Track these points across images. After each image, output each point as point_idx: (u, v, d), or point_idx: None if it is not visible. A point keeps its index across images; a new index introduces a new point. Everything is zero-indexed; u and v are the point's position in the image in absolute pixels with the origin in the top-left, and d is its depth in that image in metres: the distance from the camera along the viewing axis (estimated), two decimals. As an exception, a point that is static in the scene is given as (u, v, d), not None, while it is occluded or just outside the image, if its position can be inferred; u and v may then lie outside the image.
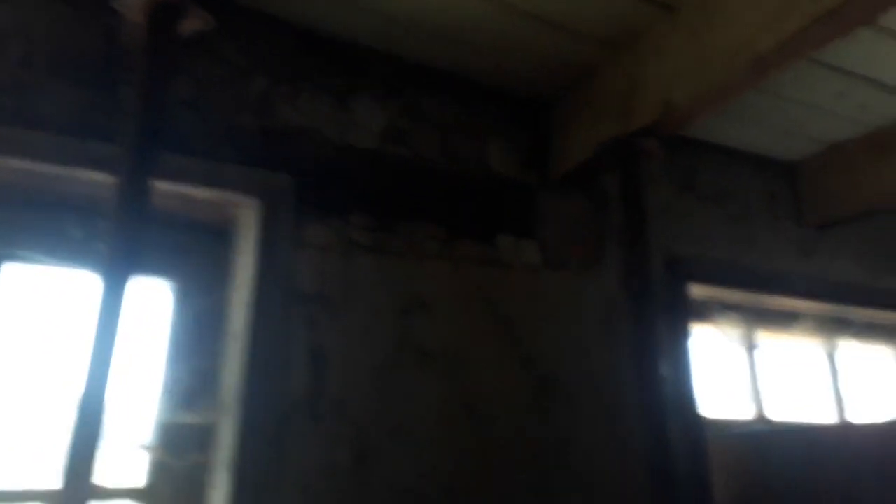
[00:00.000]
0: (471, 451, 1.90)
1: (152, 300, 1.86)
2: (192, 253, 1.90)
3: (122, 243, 1.27)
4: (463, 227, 2.10)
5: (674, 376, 2.34)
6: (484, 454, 1.91)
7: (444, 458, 1.84)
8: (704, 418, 2.43)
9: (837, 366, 3.02)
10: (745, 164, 2.77)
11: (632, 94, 1.90)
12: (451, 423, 1.89)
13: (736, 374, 2.76)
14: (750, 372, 2.78)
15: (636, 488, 2.06)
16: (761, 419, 2.71)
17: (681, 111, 1.73)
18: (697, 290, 2.56)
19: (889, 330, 3.13)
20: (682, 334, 2.42)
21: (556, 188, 2.29)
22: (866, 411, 3.02)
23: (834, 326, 2.96)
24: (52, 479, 1.61)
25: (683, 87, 1.71)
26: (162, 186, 1.60)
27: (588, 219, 2.34)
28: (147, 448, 1.72)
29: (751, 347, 2.81)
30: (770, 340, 2.86)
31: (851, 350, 3.08)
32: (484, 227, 2.14)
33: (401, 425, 1.82)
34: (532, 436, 1.99)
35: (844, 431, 2.08)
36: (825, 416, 2.93)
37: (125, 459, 1.71)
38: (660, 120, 1.79)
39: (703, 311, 2.67)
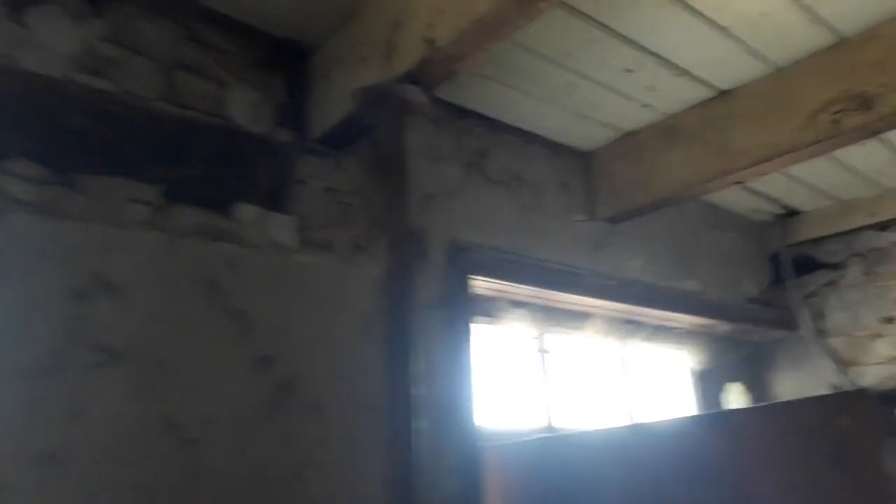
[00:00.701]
0: (172, 481, 1.43)
1: None
2: None
3: None
4: (187, 191, 1.64)
5: (448, 381, 2.03)
6: (192, 483, 1.46)
7: (123, 493, 1.36)
8: (481, 428, 2.14)
9: (629, 368, 2.90)
10: (540, 150, 2.55)
11: (394, 35, 1.56)
12: (143, 445, 1.42)
13: (524, 378, 2.52)
14: (539, 375, 2.55)
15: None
16: (550, 426, 2.48)
17: (445, 51, 1.41)
18: (482, 284, 2.28)
19: (678, 333, 3.07)
20: (461, 333, 2.12)
21: (320, 152, 1.90)
22: (657, 413, 2.91)
23: (625, 327, 2.84)
24: None
25: (446, 23, 1.39)
26: None
27: (359, 191, 1.97)
28: None
29: (541, 349, 2.59)
30: (561, 341, 2.66)
31: (643, 352, 2.98)
32: (217, 194, 1.70)
33: (61, 450, 1.32)
34: (259, 457, 1.57)
35: (631, 434, 1.87)
36: (617, 419, 2.78)
37: None
38: (423, 62, 1.46)
39: (489, 308, 2.40)
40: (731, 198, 3.17)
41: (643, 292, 2.72)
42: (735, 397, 3.39)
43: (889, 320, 3.17)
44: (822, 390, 3.30)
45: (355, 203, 1.93)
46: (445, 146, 2.24)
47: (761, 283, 3.39)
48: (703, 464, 1.67)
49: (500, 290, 2.38)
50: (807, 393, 3.31)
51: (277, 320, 1.68)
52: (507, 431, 2.35)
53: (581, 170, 2.66)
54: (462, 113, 2.31)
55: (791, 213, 3.41)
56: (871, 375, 3.19)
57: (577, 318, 2.64)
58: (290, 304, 1.71)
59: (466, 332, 2.13)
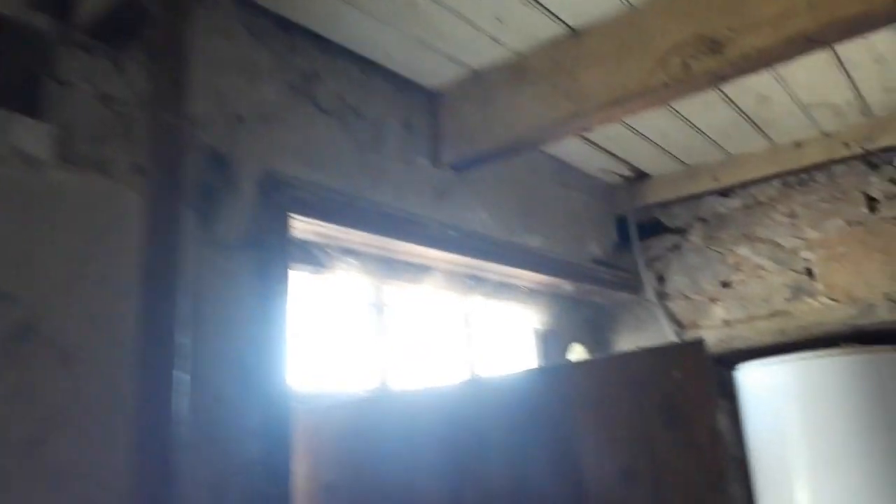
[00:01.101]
0: None
1: None
2: None
3: None
4: None
5: (252, 334, 1.75)
6: None
7: None
8: (297, 388, 1.89)
9: (471, 325, 2.74)
10: (382, 84, 2.29)
11: None
12: None
13: (357, 335, 2.29)
14: (374, 332, 2.33)
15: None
16: (384, 387, 2.27)
17: None
18: (306, 226, 2.01)
19: (522, 290, 2.95)
20: (274, 280, 1.84)
21: (92, 47, 1.54)
22: (498, 371, 2.78)
23: (466, 282, 2.67)
24: None
25: None
26: None
27: (143, 101, 1.62)
28: None
29: (377, 303, 2.36)
30: (399, 295, 2.45)
31: (485, 309, 2.83)
32: (-62, 85, 1.31)
33: None
34: (-21, 419, 1.22)
35: (457, 391, 1.69)
36: (457, 377, 2.61)
37: None
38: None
39: (315, 255, 2.13)
40: (580, 155, 3.08)
41: (486, 246, 2.56)
42: (577, 358, 3.34)
43: (726, 285, 3.22)
44: (661, 353, 3.32)
45: (138, 116, 1.59)
46: (265, 63, 1.93)
47: (607, 244, 3.35)
48: (531, 419, 1.51)
49: (328, 235, 2.12)
50: (646, 356, 3.32)
51: (17, 249, 1.33)
52: (333, 392, 2.12)
53: (427, 110, 2.43)
54: (288, 27, 2.00)
55: (640, 177, 3.39)
56: (707, 339, 3.23)
57: (416, 270, 2.44)
58: (36, 231, 1.36)
59: (282, 279, 1.86)
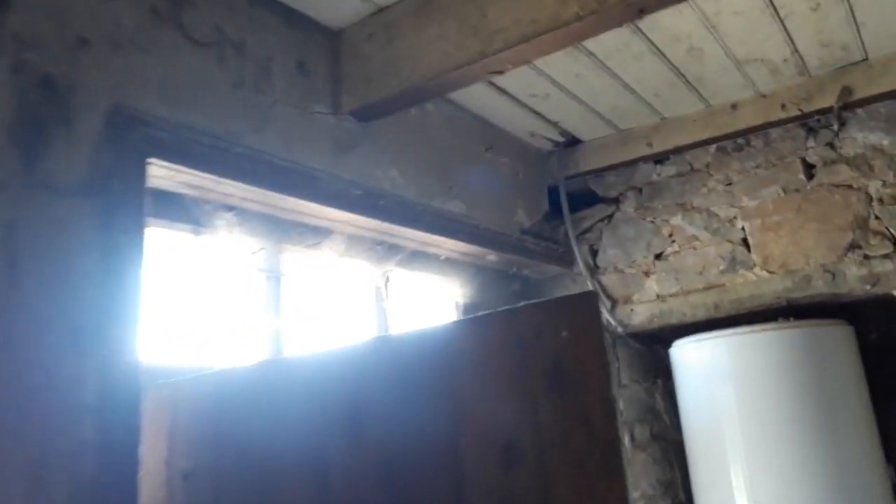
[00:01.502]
0: None
1: None
2: None
3: None
4: None
5: (91, 298, 1.47)
6: None
7: None
8: (148, 364, 1.62)
9: (383, 297, 2.50)
10: (270, 17, 2.02)
11: None
12: None
13: (240, 305, 2.03)
14: (262, 301, 2.07)
15: None
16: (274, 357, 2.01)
17: None
18: (172, 175, 1.74)
19: (441, 260, 2.72)
20: (126, 236, 1.56)
21: None
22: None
23: (377, 249, 2.43)
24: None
25: None
26: None
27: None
28: None
29: (268, 269, 2.10)
30: (295, 261, 2.19)
31: (401, 280, 2.60)
32: None
33: None
34: None
35: (327, 357, 1.44)
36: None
37: None
38: None
39: (188, 209, 1.86)
40: (507, 117, 2.86)
41: (398, 208, 2.32)
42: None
43: (659, 257, 3.05)
44: (593, 330, 3.13)
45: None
46: (112, -22, 1.65)
47: (537, 214, 3.14)
48: (407, 392, 1.28)
49: (204, 188, 1.85)
50: (577, 332, 3.13)
51: None
52: (204, 369, 1.85)
53: (327, 51, 2.17)
54: (147, -60, 1.72)
55: (571, 142, 3.19)
56: (640, 314, 3.07)
57: (315, 233, 2.18)
58: None
59: (134, 232, 1.58)
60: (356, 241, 2.28)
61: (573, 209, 3.26)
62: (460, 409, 1.20)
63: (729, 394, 2.76)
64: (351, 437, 1.28)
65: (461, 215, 2.62)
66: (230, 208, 1.93)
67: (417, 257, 2.61)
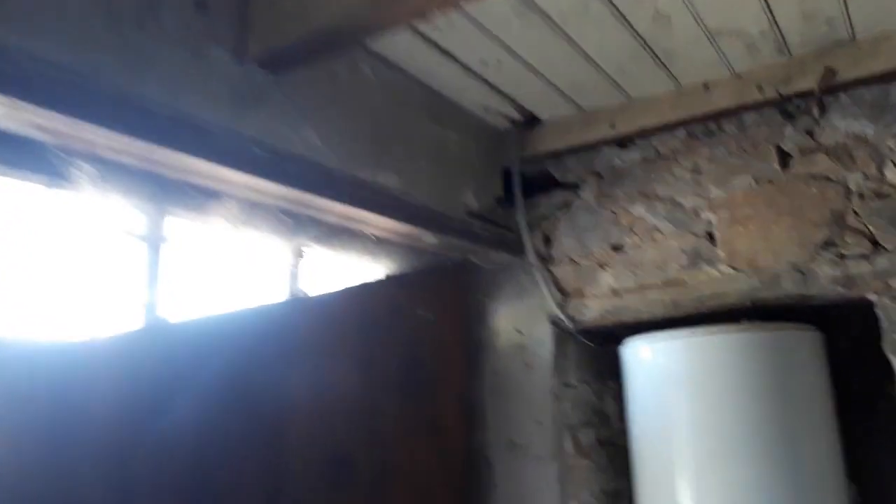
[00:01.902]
0: None
1: None
2: None
3: None
4: None
5: None
6: None
7: None
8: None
9: (297, 278, 2.22)
10: (163, -57, 1.73)
11: None
12: None
13: (104, 272, 1.74)
14: (133, 270, 1.79)
15: None
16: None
17: None
18: (17, 114, 1.45)
19: (369, 239, 2.44)
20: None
21: None
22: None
23: (287, 221, 2.14)
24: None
25: None
26: None
27: None
28: None
29: (148, 236, 1.82)
30: (179, 226, 1.91)
31: (318, 257, 2.32)
32: None
33: None
34: None
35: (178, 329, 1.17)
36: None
37: None
38: None
39: (44, 159, 1.57)
40: (457, 87, 2.58)
41: (313, 175, 2.03)
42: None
43: (617, 248, 2.79)
44: (543, 324, 2.87)
45: None
46: None
47: (487, 196, 2.86)
48: (229, 385, 1.01)
49: (58, 131, 1.56)
50: (526, 327, 2.87)
51: None
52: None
53: (230, -13, 1.88)
54: None
55: (530, 122, 2.91)
56: (592, 309, 2.80)
57: (203, 195, 1.90)
58: None
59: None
60: (257, 210, 1.99)
61: (529, 195, 2.99)
62: (287, 409, 0.93)
63: (681, 400, 2.50)
64: (159, 441, 1.00)
65: (395, 190, 2.34)
66: (94, 159, 1.64)
67: (339, 234, 2.33)
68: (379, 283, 0.96)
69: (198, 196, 1.86)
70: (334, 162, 2.11)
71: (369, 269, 2.52)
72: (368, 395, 0.93)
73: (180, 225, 1.90)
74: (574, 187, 2.92)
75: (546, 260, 2.93)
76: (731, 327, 2.46)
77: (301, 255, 2.27)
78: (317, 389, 0.95)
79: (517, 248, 2.89)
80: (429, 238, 2.52)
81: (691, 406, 2.49)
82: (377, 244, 2.46)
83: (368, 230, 2.35)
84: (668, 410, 2.54)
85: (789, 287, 2.44)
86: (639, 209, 2.75)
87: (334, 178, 2.10)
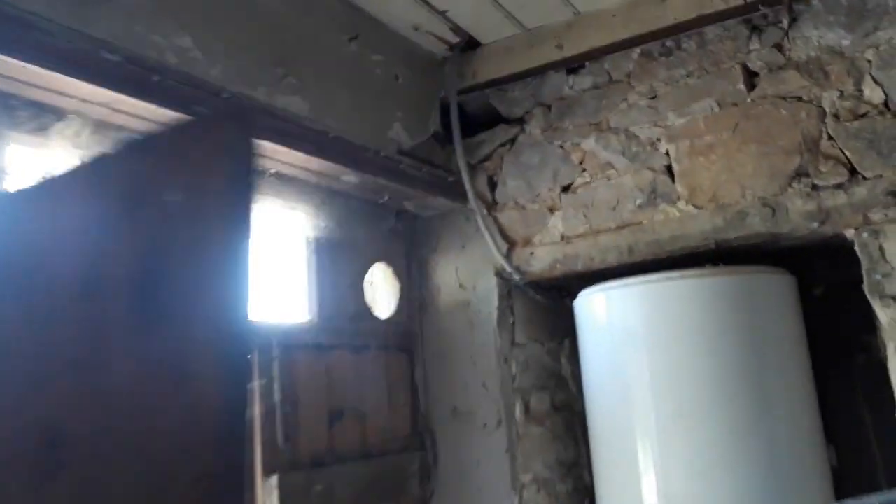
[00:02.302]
0: None
1: None
2: None
3: None
4: None
5: None
6: None
7: None
8: None
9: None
10: None
11: None
12: None
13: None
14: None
15: None
16: None
17: None
18: None
19: (275, 177, 2.11)
20: None
21: None
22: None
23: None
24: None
25: None
26: None
27: None
28: None
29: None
30: (22, 154, 1.56)
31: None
32: None
33: None
34: None
35: None
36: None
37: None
38: None
39: None
40: (384, 2, 2.24)
41: (187, 90, 1.69)
42: (380, 282, 2.55)
43: (567, 189, 2.48)
44: (488, 278, 2.57)
45: None
46: None
47: (422, 132, 2.53)
48: None
49: None
50: (469, 281, 2.56)
51: None
52: None
53: None
54: None
55: (469, 46, 2.58)
56: (541, 259, 2.50)
57: (43, 113, 1.55)
58: None
59: None
60: (110, 132, 1.65)
61: (472, 132, 2.66)
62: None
63: (640, 356, 2.22)
64: None
65: (302, 117, 2.01)
66: None
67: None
68: (120, 154, 0.67)
69: (33, 111, 1.52)
70: (216, 77, 1.77)
71: (280, 211, 2.19)
72: (92, 332, 0.62)
73: (22, 153, 1.56)
74: (520, 122, 2.60)
75: (490, 205, 2.62)
76: (693, 272, 2.18)
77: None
78: (24, 326, 0.65)
79: (457, 193, 2.57)
80: (348, 177, 2.19)
81: (651, 362, 2.21)
82: (285, 183, 2.13)
83: (270, 165, 2.01)
84: (625, 368, 2.25)
85: (757, 225, 2.15)
86: (590, 143, 2.44)
87: (217, 95, 1.76)
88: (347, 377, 2.25)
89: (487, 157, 2.65)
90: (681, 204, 2.27)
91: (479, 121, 2.68)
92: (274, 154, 1.98)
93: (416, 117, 2.50)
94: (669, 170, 2.30)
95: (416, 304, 2.65)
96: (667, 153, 2.31)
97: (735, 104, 2.22)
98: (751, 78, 2.21)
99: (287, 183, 2.12)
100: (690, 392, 2.16)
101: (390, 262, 2.57)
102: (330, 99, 2.11)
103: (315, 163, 2.09)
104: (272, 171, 2.03)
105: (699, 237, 2.23)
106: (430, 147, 2.58)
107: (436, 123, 2.60)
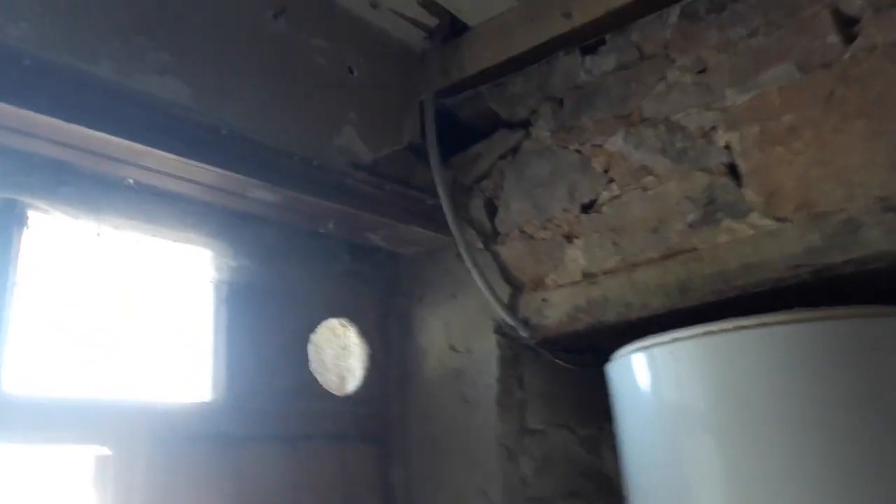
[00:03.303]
0: None
1: None
2: None
3: None
4: None
5: None
6: None
7: None
8: None
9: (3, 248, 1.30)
10: None
11: None
12: None
13: None
14: None
15: None
16: None
17: None
18: None
19: (165, 196, 1.51)
20: None
21: None
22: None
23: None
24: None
25: None
26: None
27: None
28: None
29: None
30: None
31: (45, 220, 1.40)
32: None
33: None
34: None
35: None
36: None
37: None
38: None
39: None
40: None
41: (27, 78, 1.13)
42: (334, 345, 1.89)
43: (588, 207, 1.78)
44: (486, 335, 1.87)
45: None
46: None
47: (387, 143, 1.90)
48: None
49: None
50: (462, 341, 1.87)
51: None
52: None
53: None
54: None
55: (455, 32, 1.97)
56: (557, 306, 1.78)
57: None
58: None
59: None
60: None
61: (462, 143, 2.03)
62: None
63: (704, 443, 1.45)
64: None
65: (181, 106, 1.41)
66: None
67: (90, 184, 1.40)
68: None
69: None
70: (46, 48, 1.20)
71: (173, 250, 1.57)
72: None
73: None
74: (524, 125, 1.94)
75: (489, 236, 1.94)
76: (780, 316, 1.40)
77: (24, 223, 1.35)
78: None
79: (437, 223, 1.91)
80: (259, 192, 1.56)
81: (721, 450, 1.44)
82: (166, 203, 1.51)
83: (128, 173, 1.41)
84: (682, 461, 1.48)
85: (877, 239, 1.38)
86: (617, 142, 1.74)
87: (50, 76, 1.19)
88: (271, 483, 1.56)
89: (485, 175, 1.99)
90: (754, 217, 1.52)
91: (478, 130, 2.04)
92: (139, 158, 1.38)
93: (380, 123, 1.88)
94: (732, 169, 1.57)
95: (394, 376, 1.96)
96: (726, 146, 1.58)
97: (826, 65, 1.49)
98: (847, 27, 1.49)
99: (169, 203, 1.51)
100: (784, 497, 1.36)
101: (353, 316, 1.90)
102: (231, 87, 1.52)
103: (207, 173, 1.47)
104: (130, 180, 1.42)
105: (785, 264, 1.47)
106: (406, 163, 1.94)
107: (413, 133, 1.97)
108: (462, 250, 1.84)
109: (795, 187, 1.48)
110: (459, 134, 2.04)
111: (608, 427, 1.97)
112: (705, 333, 1.44)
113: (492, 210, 1.96)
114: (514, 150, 1.94)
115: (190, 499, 1.42)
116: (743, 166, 1.55)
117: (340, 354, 1.94)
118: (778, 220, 1.49)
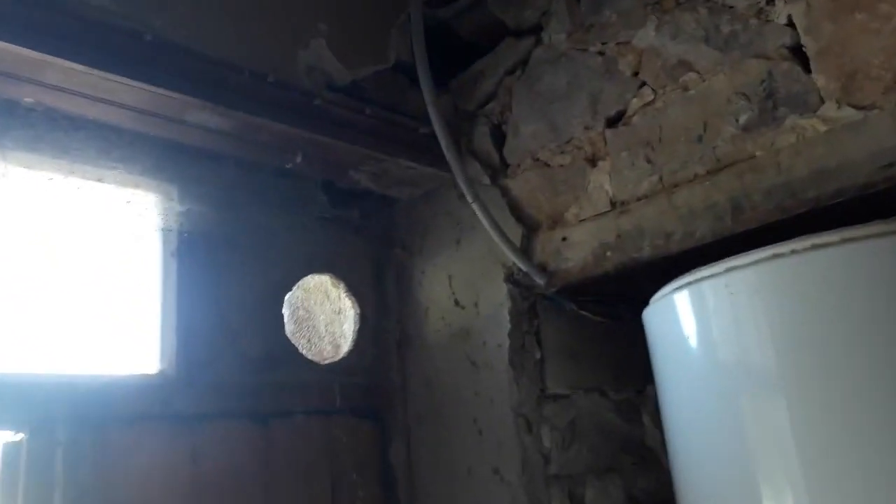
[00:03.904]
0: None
1: None
2: None
3: None
4: None
5: None
6: None
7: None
8: None
9: None
10: None
11: None
12: None
13: None
14: None
15: None
16: None
17: None
18: None
19: (69, 122, 1.22)
20: None
21: None
22: None
23: None
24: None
25: None
26: None
27: None
28: None
29: None
30: None
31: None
32: None
33: None
34: None
35: None
36: None
37: None
38: None
39: None
40: None
41: None
42: (326, 312, 1.60)
43: (616, 120, 1.44)
44: (496, 286, 1.56)
45: None
46: None
47: (369, 61, 1.58)
48: None
49: None
50: (468, 294, 1.57)
51: None
52: None
53: None
54: None
55: (445, -76, 1.64)
56: (580, 246, 1.46)
57: None
58: None
59: None
60: None
61: (467, 62, 1.71)
62: None
63: (780, 409, 1.12)
64: None
65: (94, 7, 1.13)
66: None
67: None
68: None
69: None
70: None
71: (112, 194, 1.30)
72: None
73: None
74: (535, 31, 1.60)
75: (497, 169, 1.62)
76: (866, 229, 1.06)
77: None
78: None
79: (434, 157, 1.59)
80: (201, 115, 1.26)
81: (801, 413, 1.11)
82: (90, 137, 1.23)
83: (33, 95, 1.12)
84: (750, 427, 1.16)
85: None
86: (647, 35, 1.40)
87: None
88: (237, 468, 1.29)
89: (490, 97, 1.66)
90: (828, 109, 1.17)
91: (482, 49, 1.72)
92: (39, 72, 1.10)
93: (359, 37, 1.57)
94: (797, 51, 1.22)
95: (391, 339, 1.67)
96: (788, 21, 1.23)
97: None
98: None
99: (87, 132, 1.22)
100: (884, 473, 1.02)
101: (340, 271, 1.61)
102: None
103: (131, 92, 1.18)
104: (28, 99, 1.14)
105: (873, 165, 1.12)
106: (397, 88, 1.63)
107: (401, 50, 1.65)
108: (462, 185, 1.52)
109: (884, 64, 1.13)
110: (460, 55, 1.72)
111: (649, 389, 1.65)
112: (772, 257, 1.10)
113: (499, 138, 1.64)
114: (524, 63, 1.61)
115: (129, 491, 1.15)
116: (811, 45, 1.20)
117: (335, 320, 1.65)
118: (861, 108, 1.14)
